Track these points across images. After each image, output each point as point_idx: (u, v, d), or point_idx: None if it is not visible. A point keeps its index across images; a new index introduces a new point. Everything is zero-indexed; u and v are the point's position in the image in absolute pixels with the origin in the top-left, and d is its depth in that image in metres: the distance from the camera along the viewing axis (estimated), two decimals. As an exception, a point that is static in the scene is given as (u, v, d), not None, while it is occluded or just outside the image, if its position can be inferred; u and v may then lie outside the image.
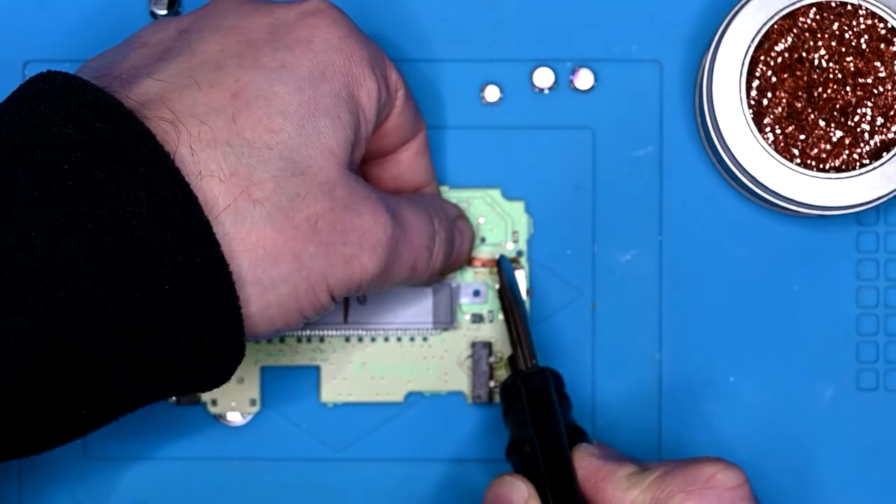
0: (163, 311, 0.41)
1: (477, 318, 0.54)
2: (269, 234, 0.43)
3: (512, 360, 0.51)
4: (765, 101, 0.52)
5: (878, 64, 0.52)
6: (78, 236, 0.40)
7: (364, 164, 0.51)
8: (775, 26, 0.52)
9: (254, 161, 0.43)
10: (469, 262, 0.54)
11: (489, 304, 0.54)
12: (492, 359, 0.54)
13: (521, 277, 0.54)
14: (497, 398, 0.54)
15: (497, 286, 0.54)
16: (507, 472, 0.48)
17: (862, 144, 0.52)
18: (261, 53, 0.45)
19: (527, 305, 0.54)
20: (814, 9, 0.52)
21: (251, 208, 0.43)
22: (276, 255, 0.43)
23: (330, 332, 0.54)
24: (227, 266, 0.42)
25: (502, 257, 0.54)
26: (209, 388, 0.44)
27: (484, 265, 0.54)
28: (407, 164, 0.51)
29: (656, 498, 0.46)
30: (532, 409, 0.49)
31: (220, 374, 0.44)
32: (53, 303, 0.39)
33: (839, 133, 0.52)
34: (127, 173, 0.41)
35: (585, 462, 0.48)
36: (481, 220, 0.55)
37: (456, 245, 0.52)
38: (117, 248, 0.40)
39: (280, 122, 0.44)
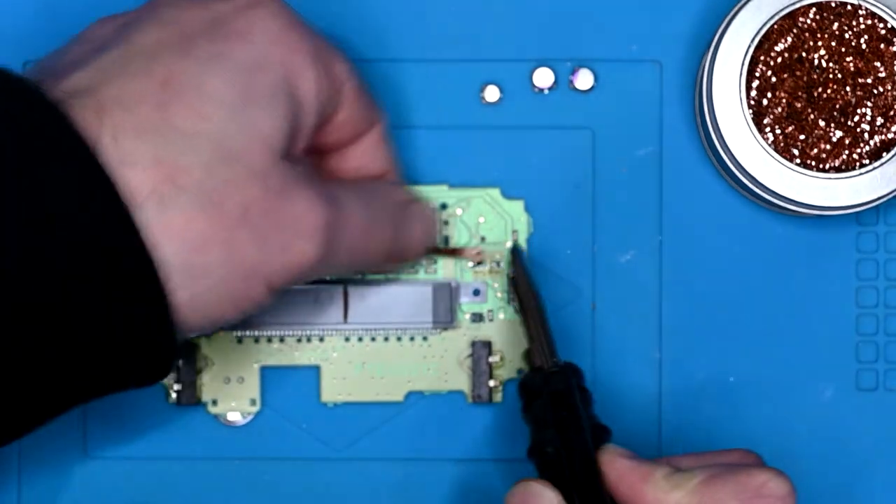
0: (87, 302, 0.41)
1: (477, 318, 0.55)
2: (197, 220, 0.42)
3: (528, 355, 0.51)
4: (765, 101, 0.52)
5: (877, 64, 0.52)
6: None
7: (324, 156, 0.51)
8: (775, 26, 0.52)
9: (182, 148, 0.42)
10: (435, 250, 0.54)
11: (489, 303, 0.54)
12: (492, 358, 0.54)
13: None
14: (497, 397, 0.54)
15: (511, 276, 0.54)
16: (532, 479, 0.47)
17: (862, 144, 0.52)
18: (195, 44, 0.44)
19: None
20: (814, 9, 0.52)
21: (176, 194, 0.42)
22: (205, 241, 0.42)
23: (330, 332, 0.54)
24: (147, 251, 0.41)
25: (516, 246, 0.54)
26: (148, 383, 0.43)
27: (478, 262, 0.54)
28: (365, 156, 0.51)
29: (704, 503, 0.46)
30: (555, 411, 0.49)
31: (157, 367, 0.43)
32: None
33: (839, 133, 0.52)
34: (48, 163, 0.40)
35: (617, 463, 0.48)
36: (481, 220, 0.55)
37: (407, 231, 0.51)
38: (38, 238, 0.40)
39: (211, 110, 0.43)
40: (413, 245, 0.52)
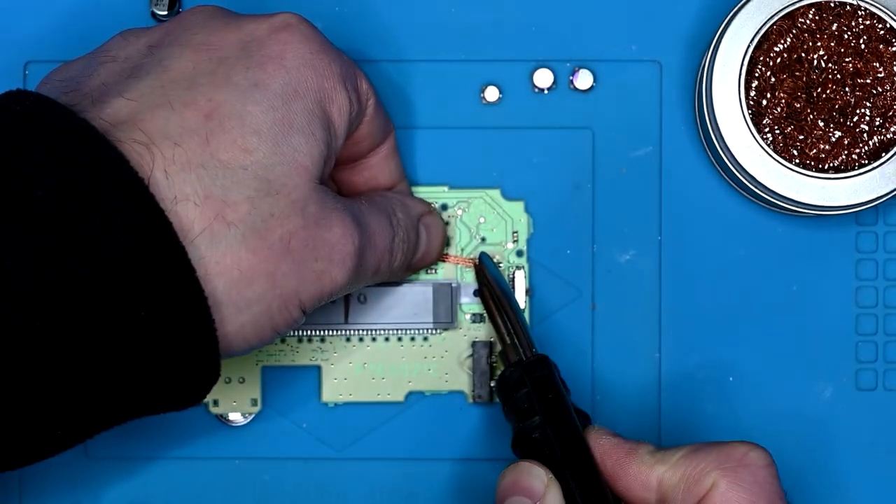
0: (139, 336, 0.41)
1: (477, 318, 0.55)
2: (244, 256, 0.43)
3: (504, 354, 0.51)
4: (764, 102, 0.52)
5: (876, 64, 0.52)
6: (51, 265, 0.40)
7: (335, 169, 0.51)
8: (774, 27, 0.52)
9: (228, 182, 0.43)
10: (443, 258, 0.54)
11: (489, 303, 0.55)
12: (492, 358, 0.54)
13: (520, 277, 0.54)
14: (497, 398, 0.54)
15: (478, 285, 0.54)
16: (521, 460, 0.48)
17: (861, 145, 0.52)
18: (233, 71, 0.45)
19: (519, 301, 0.54)
20: (813, 9, 0.52)
21: (226, 231, 0.43)
22: (251, 276, 0.43)
23: (331, 332, 0.54)
24: (203, 291, 0.42)
25: (483, 254, 0.54)
26: (187, 406, 0.44)
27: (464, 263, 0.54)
28: (378, 167, 0.52)
29: (687, 475, 0.46)
30: (539, 395, 0.49)
31: (197, 393, 0.44)
32: (28, 330, 0.39)
33: (838, 133, 0.52)
34: (101, 200, 0.41)
35: (603, 440, 0.48)
36: (481, 220, 0.55)
37: (422, 242, 0.52)
38: (90, 276, 0.40)
39: (254, 142, 0.44)
40: (431, 257, 0.53)
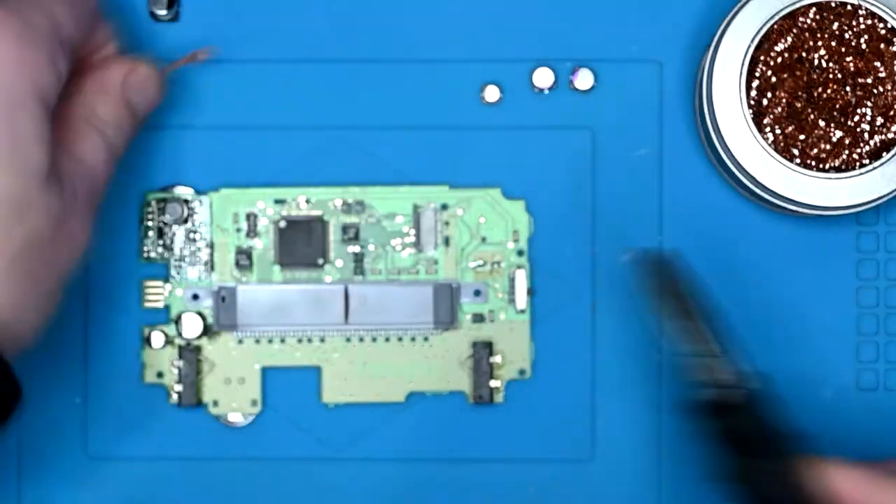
0: None
1: (478, 318, 0.55)
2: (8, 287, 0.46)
3: (703, 369, 0.48)
4: (764, 101, 0.52)
5: (877, 64, 0.52)
6: None
7: None
8: (775, 26, 0.52)
9: None
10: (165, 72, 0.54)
11: (490, 303, 0.55)
12: (493, 359, 0.54)
13: (521, 277, 0.54)
14: (498, 398, 0.54)
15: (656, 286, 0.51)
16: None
17: (862, 144, 0.52)
18: None
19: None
20: (814, 9, 0.52)
21: None
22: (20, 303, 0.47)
23: (331, 332, 0.54)
24: None
25: (664, 255, 0.51)
26: None
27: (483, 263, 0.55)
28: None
29: None
30: (773, 438, 0.46)
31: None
32: None
33: (839, 133, 0.52)
34: None
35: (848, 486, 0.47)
36: (482, 220, 0.55)
37: (140, 109, 0.52)
38: None
39: None
40: (152, 105, 0.53)
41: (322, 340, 0.54)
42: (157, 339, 0.54)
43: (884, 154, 0.52)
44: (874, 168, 0.52)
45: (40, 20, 0.47)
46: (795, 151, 0.52)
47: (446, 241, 0.55)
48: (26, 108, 0.46)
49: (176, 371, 0.54)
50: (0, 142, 0.45)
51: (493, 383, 0.54)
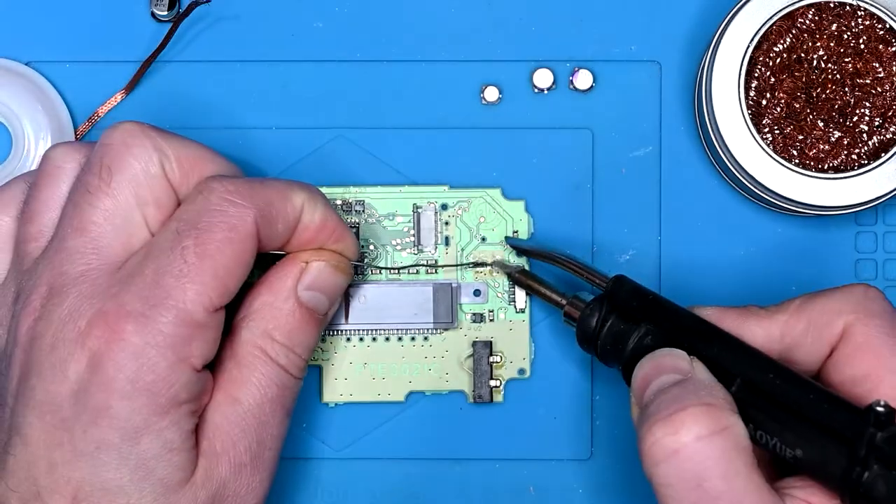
0: None
1: (478, 318, 0.55)
2: None
3: (573, 303, 0.50)
4: (763, 102, 0.52)
5: (876, 65, 0.52)
6: None
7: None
8: (774, 27, 0.52)
9: None
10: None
11: (490, 303, 0.55)
12: (493, 358, 0.54)
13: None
14: (498, 397, 0.54)
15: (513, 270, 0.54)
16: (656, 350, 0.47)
17: (860, 145, 0.52)
18: (76, 437, 0.45)
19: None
20: (812, 9, 0.52)
21: None
22: None
23: (331, 332, 0.54)
24: None
25: (506, 238, 0.54)
26: None
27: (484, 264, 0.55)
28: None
29: (813, 320, 0.46)
30: (639, 304, 0.48)
31: None
32: None
33: (838, 133, 0.52)
34: None
35: (709, 312, 0.48)
36: (482, 220, 0.55)
37: (323, 308, 0.50)
38: None
39: (123, 501, 0.45)
40: (331, 303, 0.51)
41: (322, 340, 0.54)
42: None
43: (882, 154, 0.52)
44: (873, 168, 0.52)
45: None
46: (794, 152, 0.52)
47: (446, 241, 0.55)
48: (148, 432, 0.46)
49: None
50: (125, 475, 0.45)
51: (493, 383, 0.54)
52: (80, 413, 0.45)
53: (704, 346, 0.47)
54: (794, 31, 0.52)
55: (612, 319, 0.49)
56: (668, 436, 0.43)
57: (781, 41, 0.52)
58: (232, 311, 0.48)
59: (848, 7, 0.52)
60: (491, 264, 0.54)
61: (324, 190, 0.54)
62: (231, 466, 0.47)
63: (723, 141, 0.52)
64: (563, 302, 0.51)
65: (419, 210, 0.55)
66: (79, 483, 0.45)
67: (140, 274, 0.46)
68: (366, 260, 0.54)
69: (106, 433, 0.45)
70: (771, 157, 0.52)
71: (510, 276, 0.54)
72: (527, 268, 0.54)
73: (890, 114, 0.52)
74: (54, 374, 0.45)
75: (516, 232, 0.54)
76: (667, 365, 0.46)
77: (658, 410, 0.44)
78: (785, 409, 0.45)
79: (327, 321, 0.51)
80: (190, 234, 0.46)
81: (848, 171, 0.52)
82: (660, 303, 0.48)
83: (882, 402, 0.43)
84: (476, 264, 0.54)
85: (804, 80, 0.52)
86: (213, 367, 0.48)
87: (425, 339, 0.55)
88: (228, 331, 0.48)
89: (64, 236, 0.47)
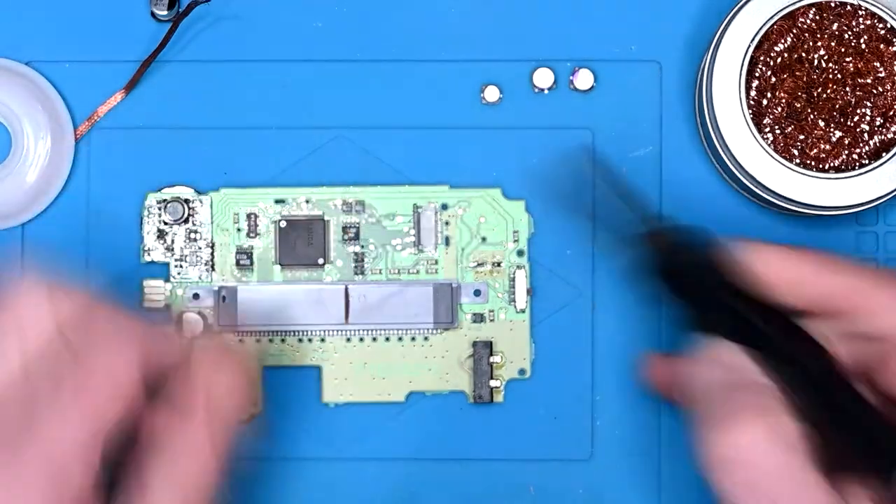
0: None
1: (478, 318, 0.55)
2: None
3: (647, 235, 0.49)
4: (764, 102, 0.52)
5: (877, 64, 0.52)
6: None
7: None
8: (775, 26, 0.52)
9: None
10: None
11: (490, 303, 0.55)
12: (493, 358, 0.54)
13: (521, 277, 0.54)
14: (498, 398, 0.54)
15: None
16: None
17: (861, 145, 0.52)
18: None
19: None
20: (813, 9, 0.52)
21: None
22: None
23: (331, 332, 0.54)
24: None
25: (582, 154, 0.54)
26: None
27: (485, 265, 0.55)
28: None
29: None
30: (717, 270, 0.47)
31: None
32: None
33: (838, 133, 0.52)
34: None
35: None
36: (482, 220, 0.55)
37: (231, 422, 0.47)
38: None
39: None
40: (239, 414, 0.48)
41: (322, 340, 0.54)
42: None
43: (883, 154, 0.52)
44: (874, 168, 0.52)
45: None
46: (795, 151, 0.52)
47: (446, 241, 0.55)
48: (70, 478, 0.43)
49: (176, 371, 0.54)
50: None
51: (493, 383, 0.54)
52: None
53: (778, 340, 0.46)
54: (794, 31, 0.52)
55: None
56: (725, 445, 0.43)
57: (782, 41, 0.52)
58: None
59: (849, 6, 0.52)
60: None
61: (324, 190, 0.54)
62: None
63: (723, 141, 0.52)
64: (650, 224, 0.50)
65: (419, 210, 0.55)
66: None
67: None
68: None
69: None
70: (772, 156, 0.52)
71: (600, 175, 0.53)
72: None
73: (891, 114, 0.52)
74: None
75: (516, 232, 0.55)
76: (720, 360, 0.46)
77: (714, 411, 0.44)
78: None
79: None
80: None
81: (849, 171, 0.52)
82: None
83: None
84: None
85: (805, 79, 0.52)
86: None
87: (425, 339, 0.55)
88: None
89: None
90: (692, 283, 0.48)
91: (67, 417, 0.43)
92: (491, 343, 0.54)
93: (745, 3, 0.52)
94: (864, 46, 0.52)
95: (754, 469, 0.43)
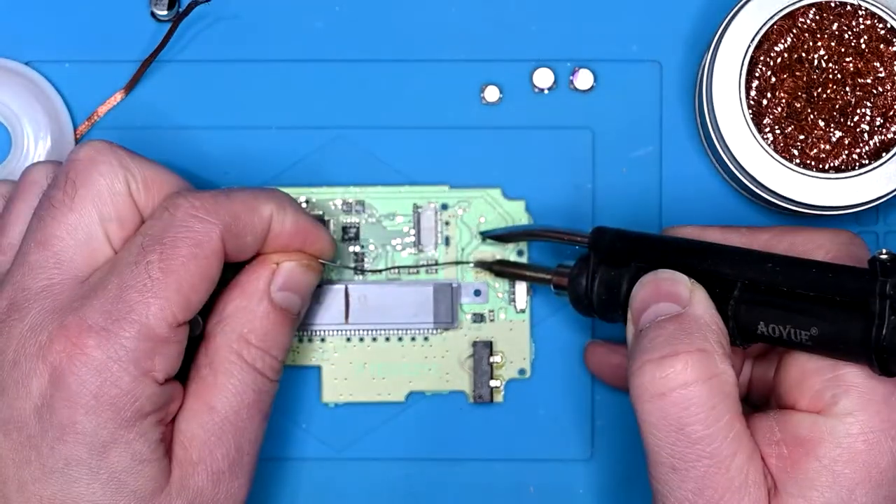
0: None
1: (478, 318, 0.55)
2: None
3: (559, 271, 0.51)
4: (764, 102, 0.52)
5: (877, 64, 0.52)
6: None
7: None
8: (775, 26, 0.52)
9: None
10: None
11: (490, 303, 0.55)
12: (493, 358, 0.54)
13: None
14: (498, 397, 0.54)
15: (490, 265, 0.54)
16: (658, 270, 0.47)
17: (861, 144, 0.52)
18: (44, 454, 0.45)
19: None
20: (813, 9, 0.52)
21: None
22: None
23: (331, 332, 0.54)
24: None
25: (481, 233, 0.54)
26: None
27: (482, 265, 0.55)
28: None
29: (796, 247, 0.47)
30: (623, 245, 0.48)
31: None
32: None
33: (838, 133, 0.52)
34: None
35: (689, 230, 0.49)
36: (482, 220, 0.55)
37: (296, 308, 0.50)
38: None
39: None
40: (304, 303, 0.51)
41: (322, 340, 0.54)
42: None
43: (883, 154, 0.52)
44: (873, 168, 0.52)
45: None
46: (795, 151, 0.52)
47: (446, 241, 0.55)
48: (116, 444, 0.45)
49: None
50: (97, 489, 0.45)
51: (493, 383, 0.54)
52: (46, 430, 0.45)
53: (697, 261, 0.47)
54: (794, 31, 0.52)
55: (602, 270, 0.49)
56: (658, 379, 0.44)
57: (782, 41, 0.52)
58: (206, 317, 0.48)
59: (849, 6, 0.52)
60: (473, 264, 0.54)
61: (324, 190, 0.54)
62: (209, 474, 0.47)
63: (723, 141, 0.52)
64: (549, 276, 0.51)
65: (419, 210, 0.55)
66: (50, 500, 0.45)
67: (103, 288, 0.45)
68: (338, 261, 0.54)
69: (73, 449, 0.45)
70: (772, 156, 0.52)
71: (491, 270, 0.54)
72: (510, 257, 0.54)
73: (891, 114, 0.52)
74: (17, 390, 0.45)
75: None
76: (665, 290, 0.46)
77: (652, 349, 0.45)
78: (790, 294, 0.45)
79: (300, 321, 0.51)
80: (155, 250, 0.46)
81: (849, 170, 0.52)
82: (644, 237, 0.48)
83: (884, 251, 0.43)
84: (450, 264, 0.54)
85: (805, 79, 0.52)
86: (185, 375, 0.48)
87: (425, 339, 0.55)
88: (202, 337, 0.48)
89: (27, 251, 0.46)
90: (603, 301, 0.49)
91: (159, 296, 0.45)
92: (491, 343, 0.54)
93: (745, 3, 0.52)
94: (864, 46, 0.52)
95: (683, 409, 0.44)
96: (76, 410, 0.45)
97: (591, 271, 0.49)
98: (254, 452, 0.48)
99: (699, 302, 0.46)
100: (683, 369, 0.44)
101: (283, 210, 0.49)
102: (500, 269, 0.53)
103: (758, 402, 0.50)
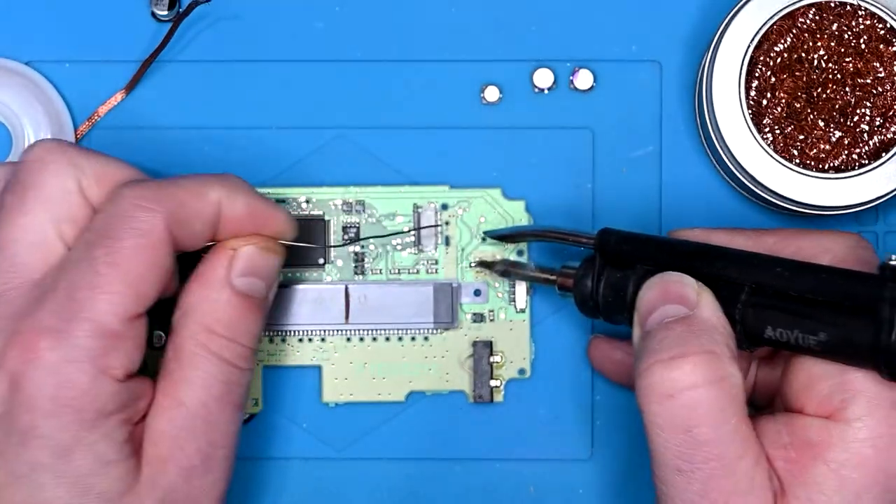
0: None
1: (478, 318, 0.55)
2: None
3: (564, 272, 0.51)
4: (764, 102, 0.52)
5: (877, 64, 0.52)
6: None
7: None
8: (774, 27, 0.52)
9: None
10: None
11: (490, 303, 0.55)
12: (493, 358, 0.54)
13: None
14: (498, 397, 0.54)
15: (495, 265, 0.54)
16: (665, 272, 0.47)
17: (861, 145, 0.52)
18: (10, 461, 0.45)
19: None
20: (813, 9, 0.52)
21: None
22: None
23: (331, 332, 0.54)
24: None
25: (484, 232, 0.54)
26: None
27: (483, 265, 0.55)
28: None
29: (802, 251, 0.47)
30: (630, 247, 0.48)
31: None
32: None
33: (838, 133, 0.52)
34: None
35: (696, 232, 0.49)
36: (482, 220, 0.55)
37: (261, 293, 0.49)
38: None
39: None
40: (269, 286, 0.50)
41: (323, 340, 0.54)
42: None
43: (883, 154, 0.52)
44: (873, 168, 0.52)
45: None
46: (795, 152, 0.52)
47: (446, 241, 0.55)
48: (81, 448, 0.45)
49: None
50: (61, 493, 0.45)
51: (493, 383, 0.54)
52: (9, 436, 0.45)
53: (704, 264, 0.47)
54: (794, 31, 0.52)
55: (607, 272, 0.49)
56: (666, 380, 0.44)
57: (782, 41, 0.52)
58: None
59: (849, 7, 0.52)
60: (476, 266, 0.54)
61: (324, 190, 0.54)
62: (179, 470, 0.46)
63: (723, 141, 0.52)
64: (553, 276, 0.51)
65: (419, 210, 0.55)
66: (13, 495, 0.45)
67: (54, 289, 0.45)
68: (299, 240, 0.52)
69: (37, 454, 0.44)
70: (771, 156, 0.52)
71: (497, 272, 0.54)
72: (510, 258, 0.54)
73: (890, 114, 0.52)
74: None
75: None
76: (673, 293, 0.46)
77: (660, 350, 0.45)
78: (799, 299, 0.45)
79: (269, 305, 0.50)
80: (100, 244, 0.45)
81: (848, 171, 0.52)
82: (651, 239, 0.48)
83: (894, 257, 0.43)
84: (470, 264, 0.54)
85: (805, 79, 0.52)
86: (154, 372, 0.48)
87: (425, 339, 0.55)
88: (168, 331, 0.48)
89: None
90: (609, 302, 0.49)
91: (107, 291, 0.45)
92: (491, 343, 0.54)
93: (745, 3, 0.52)
94: (863, 46, 0.52)
95: (691, 411, 0.44)
96: (35, 415, 0.44)
97: (597, 273, 0.49)
98: (228, 445, 0.48)
99: (707, 305, 0.46)
100: (692, 371, 0.44)
101: (234, 194, 0.48)
102: (503, 269, 0.53)
103: (762, 403, 0.50)
